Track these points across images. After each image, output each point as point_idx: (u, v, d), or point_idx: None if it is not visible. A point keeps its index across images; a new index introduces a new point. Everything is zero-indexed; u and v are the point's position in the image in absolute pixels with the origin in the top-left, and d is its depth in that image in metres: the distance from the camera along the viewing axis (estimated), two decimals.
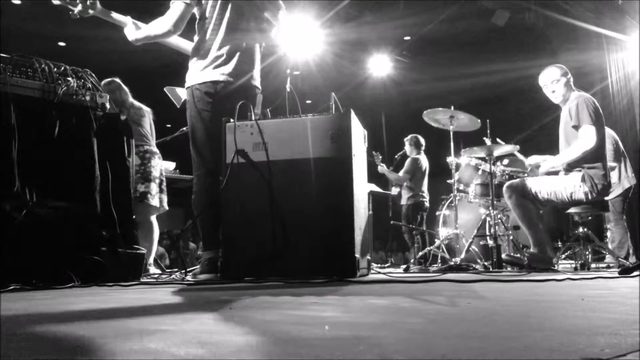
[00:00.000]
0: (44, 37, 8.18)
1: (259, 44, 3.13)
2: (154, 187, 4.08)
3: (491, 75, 9.15)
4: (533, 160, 4.11)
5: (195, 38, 3.06)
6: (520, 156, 4.30)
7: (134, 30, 3.03)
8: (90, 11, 3.01)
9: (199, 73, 2.98)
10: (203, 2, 3.00)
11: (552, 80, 3.90)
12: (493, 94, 10.09)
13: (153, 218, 4.16)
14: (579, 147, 3.64)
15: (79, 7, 2.97)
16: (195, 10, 3.02)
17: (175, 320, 1.14)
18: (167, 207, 4.21)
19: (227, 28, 2.98)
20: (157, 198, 4.10)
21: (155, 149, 4.23)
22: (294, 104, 3.15)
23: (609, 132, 5.13)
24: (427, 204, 6.68)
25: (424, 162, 6.71)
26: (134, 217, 3.09)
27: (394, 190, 7.13)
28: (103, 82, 4.09)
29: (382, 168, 6.74)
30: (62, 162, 2.61)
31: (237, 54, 2.99)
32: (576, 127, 3.68)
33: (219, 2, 3.00)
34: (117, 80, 4.19)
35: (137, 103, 4.26)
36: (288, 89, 3.18)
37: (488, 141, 4.46)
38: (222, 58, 2.96)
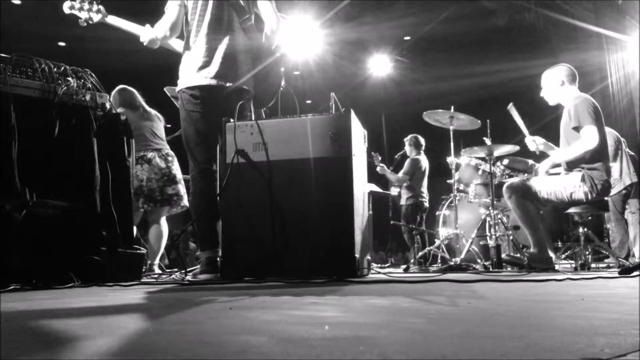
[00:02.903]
0: (44, 37, 8.18)
1: (245, 44, 3.07)
2: (181, 188, 4.09)
3: (491, 75, 9.16)
4: (535, 139, 4.01)
5: (185, 39, 3.06)
6: (523, 127, 4.16)
7: (147, 35, 3.05)
8: (96, 18, 3.06)
9: (185, 77, 2.99)
10: (186, 2, 3.00)
11: (551, 84, 3.92)
12: (493, 94, 10.08)
13: (163, 220, 4.17)
14: (581, 147, 3.64)
15: (85, 14, 3.03)
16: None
17: (176, 321, 1.14)
18: (188, 205, 4.19)
19: (209, 29, 2.97)
20: (186, 197, 4.10)
21: (172, 152, 4.24)
22: (292, 103, 3.14)
23: (610, 130, 5.13)
24: (426, 204, 6.68)
25: (424, 163, 6.70)
26: (133, 217, 3.09)
27: (394, 191, 7.13)
28: (115, 90, 4.13)
29: (381, 169, 6.73)
30: (62, 162, 2.60)
31: (221, 56, 2.96)
32: (577, 129, 3.68)
33: (200, 2, 2.99)
34: (128, 87, 4.22)
35: (150, 109, 4.29)
36: (282, 88, 3.17)
37: (488, 141, 4.45)
38: (205, 60, 2.95)
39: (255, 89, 3.12)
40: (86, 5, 3.06)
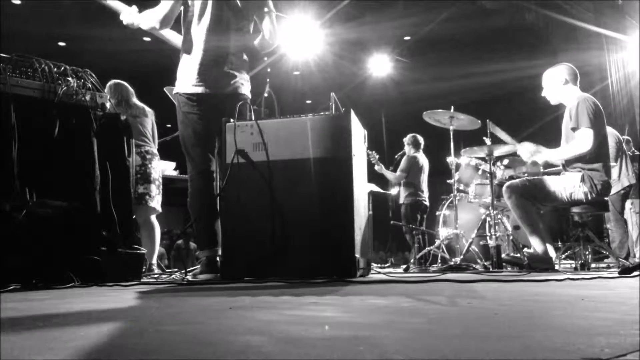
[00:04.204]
0: (44, 37, 8.19)
1: (242, 47, 3.08)
2: (153, 189, 4.09)
3: (491, 75, 9.16)
4: (526, 147, 4.02)
5: (182, 38, 3.05)
6: (509, 139, 4.20)
7: (130, 17, 3.02)
8: None
9: (182, 79, 2.98)
10: (189, 1, 2.99)
11: (553, 83, 3.91)
12: (493, 94, 10.10)
13: (153, 218, 4.17)
14: (574, 149, 3.64)
15: None
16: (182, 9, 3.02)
17: (176, 321, 1.14)
18: (160, 210, 4.21)
19: (207, 31, 2.96)
20: (156, 200, 4.11)
21: (155, 151, 4.24)
22: (272, 109, 3.17)
23: (611, 130, 5.13)
24: (425, 204, 6.67)
25: (422, 160, 6.69)
26: (134, 217, 3.09)
27: (394, 190, 7.12)
28: (110, 82, 4.14)
29: (379, 167, 6.73)
30: (62, 162, 2.60)
31: (219, 58, 2.96)
32: (574, 129, 3.68)
33: (200, 2, 2.98)
34: (123, 82, 4.23)
35: (140, 104, 4.27)
36: (266, 94, 3.20)
37: (488, 141, 4.45)
38: (203, 65, 2.93)
39: (261, 91, 3.15)
40: None
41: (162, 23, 2.95)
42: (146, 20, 2.98)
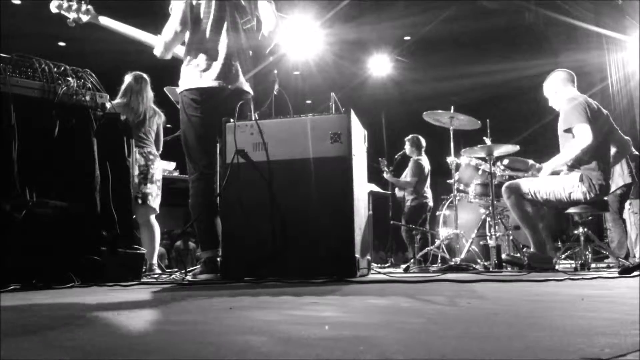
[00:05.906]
0: (44, 37, 8.17)
1: (246, 45, 3.08)
2: (154, 189, 4.10)
3: (491, 75, 9.16)
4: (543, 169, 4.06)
5: (185, 39, 3.05)
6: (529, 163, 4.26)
7: (159, 44, 3.04)
8: (84, 18, 3.04)
9: (187, 78, 2.97)
10: (193, 2, 2.99)
11: (549, 93, 4.01)
12: (493, 94, 10.09)
13: (153, 218, 4.18)
14: (576, 146, 3.65)
15: (73, 14, 3.02)
16: None
17: (176, 321, 1.14)
18: (158, 210, 4.23)
19: (211, 29, 2.96)
20: (156, 200, 4.12)
21: (156, 152, 4.24)
22: (285, 107, 3.16)
23: None
24: (430, 204, 6.69)
25: (426, 164, 6.71)
26: (134, 217, 3.10)
27: (399, 193, 7.10)
28: (135, 73, 4.15)
29: (388, 175, 6.74)
30: (62, 162, 2.60)
31: (223, 57, 2.95)
32: (568, 130, 3.69)
33: (203, 2, 2.97)
34: (148, 81, 4.22)
35: (151, 109, 4.26)
36: (275, 92, 3.19)
37: (488, 141, 4.45)
38: (207, 62, 2.93)
39: (254, 90, 3.13)
40: (74, 5, 3.03)
41: (183, 24, 2.95)
42: (167, 32, 2.99)
